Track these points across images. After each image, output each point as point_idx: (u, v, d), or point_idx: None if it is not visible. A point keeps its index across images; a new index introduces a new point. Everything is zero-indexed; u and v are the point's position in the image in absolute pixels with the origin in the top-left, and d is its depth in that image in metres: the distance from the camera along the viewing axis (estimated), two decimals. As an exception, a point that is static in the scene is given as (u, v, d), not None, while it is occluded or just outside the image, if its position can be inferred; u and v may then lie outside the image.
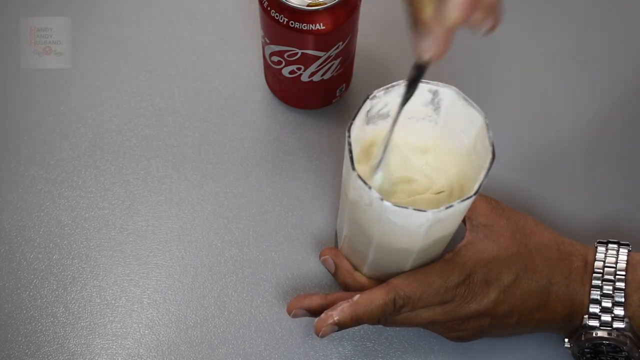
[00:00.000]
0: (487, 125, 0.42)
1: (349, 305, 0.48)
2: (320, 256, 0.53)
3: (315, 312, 0.50)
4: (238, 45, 0.67)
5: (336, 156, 0.62)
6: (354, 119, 0.42)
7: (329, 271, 0.53)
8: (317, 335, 0.48)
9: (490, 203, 0.51)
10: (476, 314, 0.48)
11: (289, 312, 0.50)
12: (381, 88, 0.43)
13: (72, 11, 0.68)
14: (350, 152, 0.41)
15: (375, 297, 0.47)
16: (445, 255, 0.48)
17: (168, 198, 0.60)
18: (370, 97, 0.43)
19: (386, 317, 0.49)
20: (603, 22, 0.69)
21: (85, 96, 0.64)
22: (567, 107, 0.64)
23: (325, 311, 0.48)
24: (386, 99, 0.44)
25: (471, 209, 0.50)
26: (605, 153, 0.62)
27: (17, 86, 0.64)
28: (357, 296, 0.48)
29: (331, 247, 0.55)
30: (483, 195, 0.51)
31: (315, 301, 0.50)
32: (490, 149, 0.42)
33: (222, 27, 0.68)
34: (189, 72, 0.65)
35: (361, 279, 0.51)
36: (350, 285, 0.51)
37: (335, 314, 0.48)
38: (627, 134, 0.63)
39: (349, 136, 0.42)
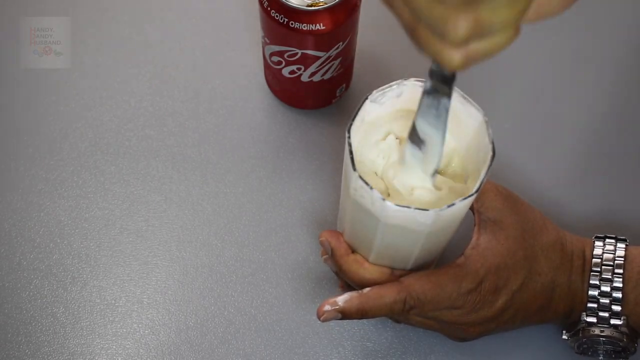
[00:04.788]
0: (486, 122, 0.42)
1: (357, 296, 0.46)
2: (319, 237, 0.50)
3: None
4: (238, 45, 0.67)
5: (336, 156, 0.62)
6: (353, 119, 0.42)
7: (324, 253, 0.51)
8: (319, 319, 0.46)
9: (501, 194, 0.49)
10: (484, 319, 0.48)
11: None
12: (380, 88, 0.44)
13: (72, 11, 0.68)
14: (351, 152, 0.41)
15: (386, 294, 0.46)
16: (457, 259, 0.48)
17: (168, 198, 0.60)
18: (369, 97, 0.43)
19: (392, 315, 0.48)
20: (603, 20, 0.69)
21: (85, 96, 0.64)
22: (567, 104, 0.64)
23: (331, 297, 0.46)
24: (385, 98, 0.44)
25: (480, 201, 0.49)
26: (603, 149, 0.62)
27: (17, 86, 0.64)
28: (367, 289, 0.47)
29: (333, 230, 0.51)
30: (493, 185, 0.50)
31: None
32: (490, 146, 0.42)
33: (222, 27, 0.68)
34: (189, 72, 0.65)
35: (355, 265, 0.48)
36: (345, 271, 0.49)
37: (340, 301, 0.46)
38: (624, 131, 0.63)
39: (349, 137, 0.42)
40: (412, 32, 0.32)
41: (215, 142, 0.62)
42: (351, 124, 0.42)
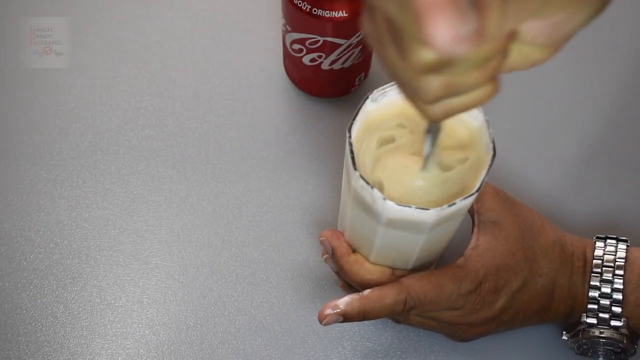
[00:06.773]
0: (487, 122, 0.42)
1: (358, 298, 0.46)
2: (319, 237, 0.51)
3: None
4: (238, 45, 0.67)
5: (337, 156, 0.62)
6: (354, 119, 0.43)
7: (324, 253, 0.51)
8: (321, 323, 0.46)
9: (499, 196, 0.50)
10: (484, 320, 0.48)
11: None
12: (380, 87, 0.44)
13: (72, 11, 0.68)
14: (352, 152, 0.41)
15: (386, 295, 0.46)
16: (457, 260, 0.48)
17: (168, 198, 0.60)
18: (370, 97, 0.43)
19: (393, 316, 0.48)
20: (604, 20, 0.69)
21: (85, 96, 0.64)
22: (567, 104, 0.64)
23: (332, 300, 0.47)
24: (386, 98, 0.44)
25: (480, 203, 0.49)
26: (604, 148, 0.62)
27: (17, 86, 0.64)
28: (367, 290, 0.47)
29: (333, 229, 0.52)
30: (491, 187, 0.50)
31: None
32: (490, 145, 0.42)
33: (222, 27, 0.68)
34: (189, 72, 0.65)
35: (356, 265, 0.49)
36: (345, 271, 0.49)
37: (341, 304, 0.46)
38: (625, 131, 0.63)
39: (350, 136, 0.42)
40: (399, 89, 0.33)
41: (215, 142, 0.62)
42: (352, 124, 0.42)
